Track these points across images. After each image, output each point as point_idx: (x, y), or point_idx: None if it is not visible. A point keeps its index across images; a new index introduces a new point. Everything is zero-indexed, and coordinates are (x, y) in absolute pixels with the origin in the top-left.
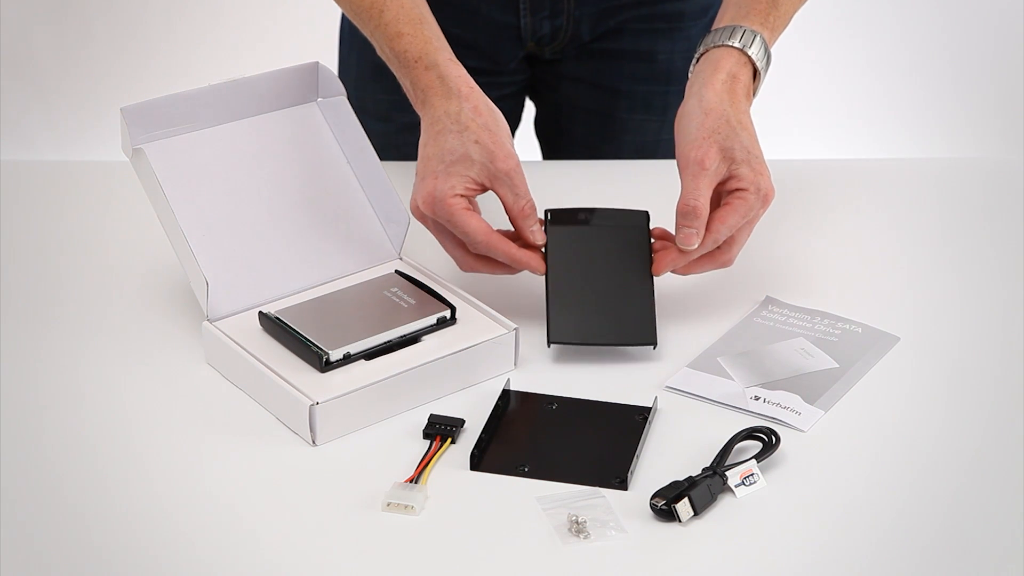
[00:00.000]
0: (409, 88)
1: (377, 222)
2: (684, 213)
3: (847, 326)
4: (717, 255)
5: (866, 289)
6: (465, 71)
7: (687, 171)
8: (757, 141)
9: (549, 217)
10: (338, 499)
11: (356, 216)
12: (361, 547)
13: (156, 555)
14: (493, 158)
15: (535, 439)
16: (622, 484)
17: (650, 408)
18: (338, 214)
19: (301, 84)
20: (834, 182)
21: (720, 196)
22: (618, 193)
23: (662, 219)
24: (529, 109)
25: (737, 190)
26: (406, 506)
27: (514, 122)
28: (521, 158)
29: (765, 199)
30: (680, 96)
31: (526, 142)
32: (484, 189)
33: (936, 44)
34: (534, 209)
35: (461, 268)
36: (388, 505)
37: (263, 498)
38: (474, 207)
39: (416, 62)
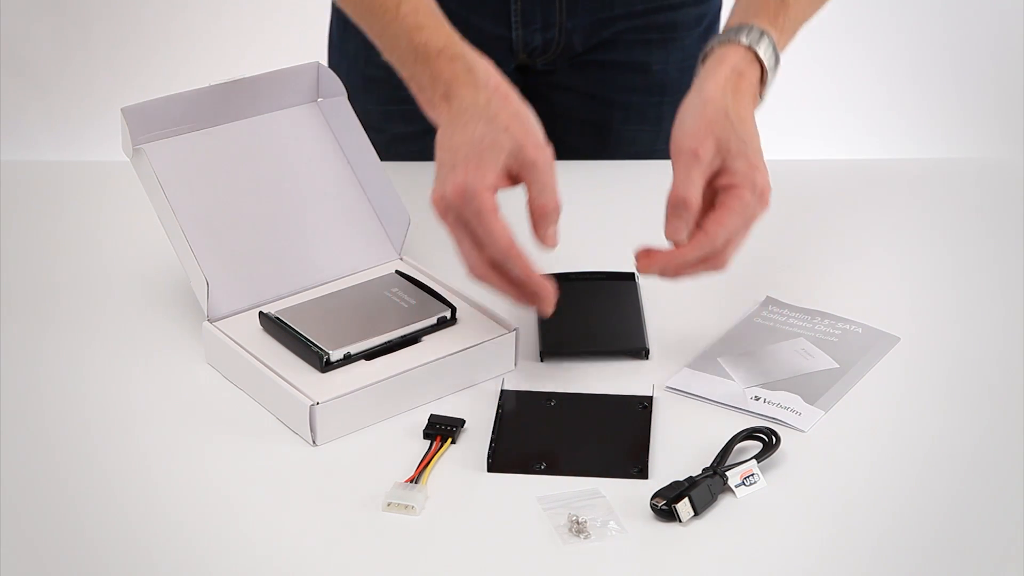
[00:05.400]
0: (426, 83)
1: (377, 222)
2: (674, 204)
3: (847, 326)
4: (711, 259)
5: (866, 289)
6: (492, 63)
7: (680, 160)
8: (757, 138)
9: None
10: (338, 499)
11: (356, 216)
12: (361, 547)
13: (156, 555)
14: (524, 146)
15: (544, 437)
16: (642, 473)
17: (650, 397)
18: (338, 214)
19: (301, 84)
20: (834, 182)
21: (714, 194)
22: (616, 195)
23: (658, 222)
24: None
25: (731, 187)
26: (406, 506)
27: None
28: None
29: (762, 197)
30: (674, 107)
31: None
32: (514, 181)
33: (936, 44)
34: (557, 210)
35: (472, 272)
36: (388, 505)
37: (263, 498)
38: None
39: (439, 53)
